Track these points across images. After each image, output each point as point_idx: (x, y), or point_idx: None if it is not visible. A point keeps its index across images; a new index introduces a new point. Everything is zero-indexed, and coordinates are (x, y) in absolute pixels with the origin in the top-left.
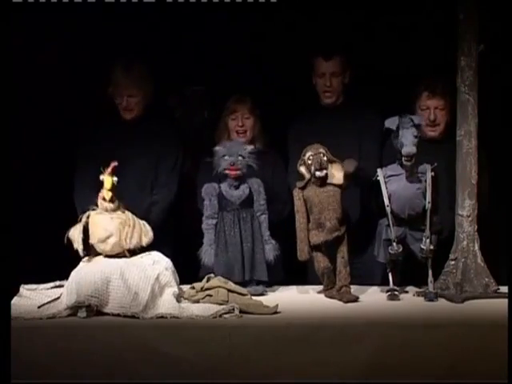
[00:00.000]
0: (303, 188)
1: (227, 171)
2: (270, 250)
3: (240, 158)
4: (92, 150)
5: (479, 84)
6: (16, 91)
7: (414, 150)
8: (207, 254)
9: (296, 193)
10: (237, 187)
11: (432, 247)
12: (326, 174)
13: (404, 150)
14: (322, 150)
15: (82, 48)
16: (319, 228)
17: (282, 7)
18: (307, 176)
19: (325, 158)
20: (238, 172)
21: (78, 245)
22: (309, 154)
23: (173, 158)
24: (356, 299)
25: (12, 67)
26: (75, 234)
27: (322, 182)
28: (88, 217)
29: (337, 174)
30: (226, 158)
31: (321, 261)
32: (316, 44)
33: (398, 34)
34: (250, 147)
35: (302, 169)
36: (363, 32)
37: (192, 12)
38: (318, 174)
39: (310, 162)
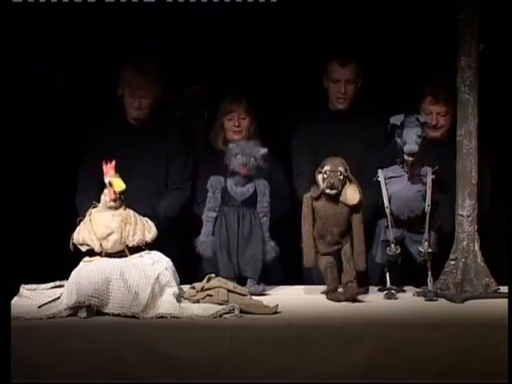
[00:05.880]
0: (316, 198)
1: (238, 169)
2: (269, 251)
3: (252, 159)
4: (96, 152)
5: (479, 84)
6: (19, 92)
7: (415, 148)
8: (203, 244)
9: (306, 200)
10: (243, 185)
11: (430, 250)
12: (338, 193)
13: (406, 148)
14: (340, 169)
15: (85, 49)
16: (320, 239)
17: (284, 7)
18: (322, 187)
19: (341, 177)
20: (249, 172)
21: (95, 243)
22: (327, 167)
23: (182, 159)
24: (362, 292)
25: (13, 68)
26: (85, 235)
27: (333, 198)
28: (90, 214)
29: (351, 195)
30: (238, 157)
31: (324, 257)
32: (326, 47)
33: (397, 36)
34: (263, 150)
35: (319, 177)
36: (366, 35)
37: (192, 12)
38: (327, 191)
39: (325, 176)
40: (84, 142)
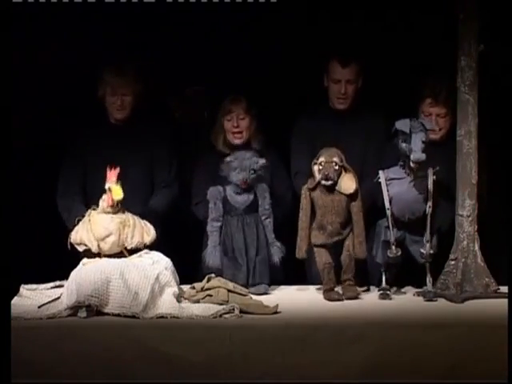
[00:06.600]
0: (312, 189)
1: (239, 184)
2: (276, 252)
3: (252, 171)
4: (78, 154)
5: (479, 84)
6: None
7: (423, 157)
8: (211, 256)
9: (304, 191)
10: (242, 194)
11: (432, 251)
12: (334, 183)
13: (413, 156)
14: (335, 159)
15: (78, 49)
16: (321, 230)
17: (284, 7)
18: (318, 178)
19: (336, 168)
20: (249, 185)
21: (92, 243)
22: (322, 159)
23: (168, 158)
24: (357, 296)
25: (11, 68)
26: (83, 235)
27: (329, 188)
28: (89, 215)
29: (347, 184)
30: (237, 171)
31: (323, 256)
32: (326, 47)
33: (397, 35)
34: (262, 161)
35: (315, 168)
36: (366, 35)
37: (192, 12)
38: (323, 182)
39: (321, 167)
40: (66, 143)
